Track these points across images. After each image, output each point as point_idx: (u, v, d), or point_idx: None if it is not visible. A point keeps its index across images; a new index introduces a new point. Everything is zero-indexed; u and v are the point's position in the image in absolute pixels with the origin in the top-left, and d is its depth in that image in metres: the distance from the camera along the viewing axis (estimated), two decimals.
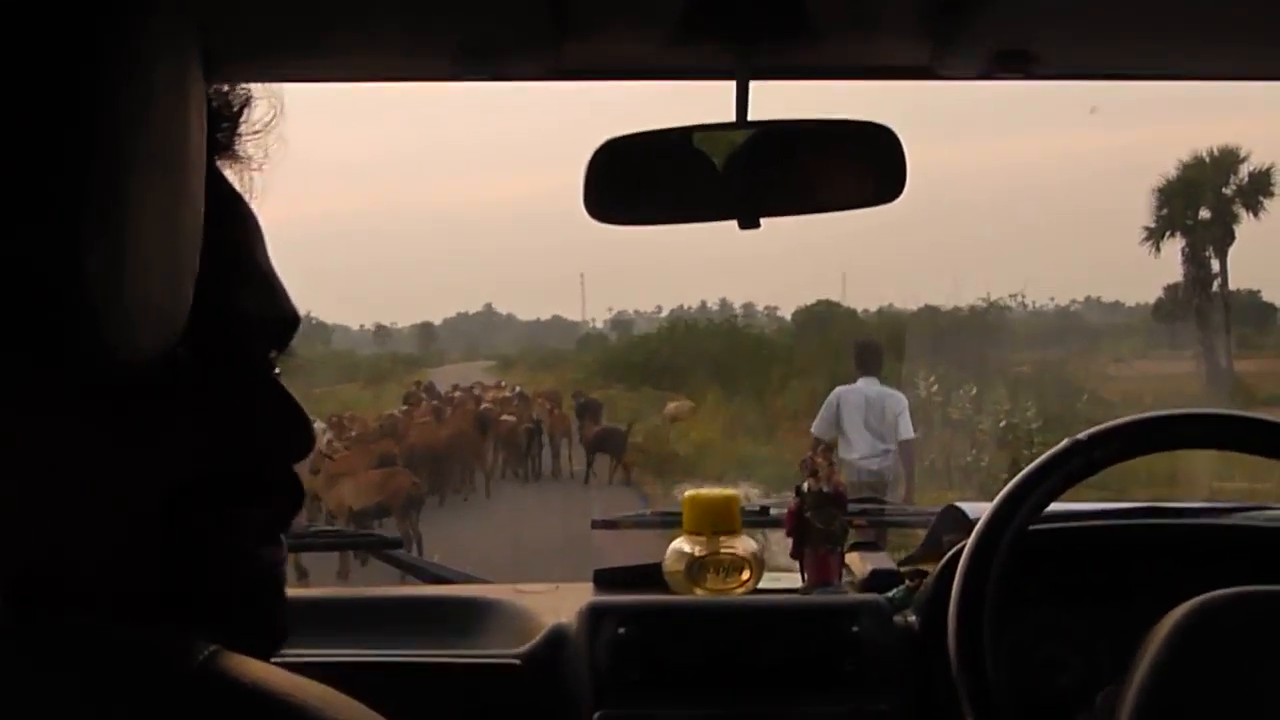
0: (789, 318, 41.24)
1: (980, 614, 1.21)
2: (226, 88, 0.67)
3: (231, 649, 0.58)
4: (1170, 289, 31.25)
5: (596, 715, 1.58)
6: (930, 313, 28.32)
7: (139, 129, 0.50)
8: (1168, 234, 28.48)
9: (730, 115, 1.36)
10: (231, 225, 0.67)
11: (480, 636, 1.75)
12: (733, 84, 1.35)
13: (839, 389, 8.99)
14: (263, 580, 0.67)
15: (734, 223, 1.37)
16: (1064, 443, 1.26)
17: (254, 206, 0.70)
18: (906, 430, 8.88)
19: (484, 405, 19.44)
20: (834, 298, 38.84)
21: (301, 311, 0.69)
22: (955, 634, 1.19)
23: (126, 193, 0.49)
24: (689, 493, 1.83)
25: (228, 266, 0.64)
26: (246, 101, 0.68)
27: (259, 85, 0.69)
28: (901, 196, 1.38)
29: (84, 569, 0.59)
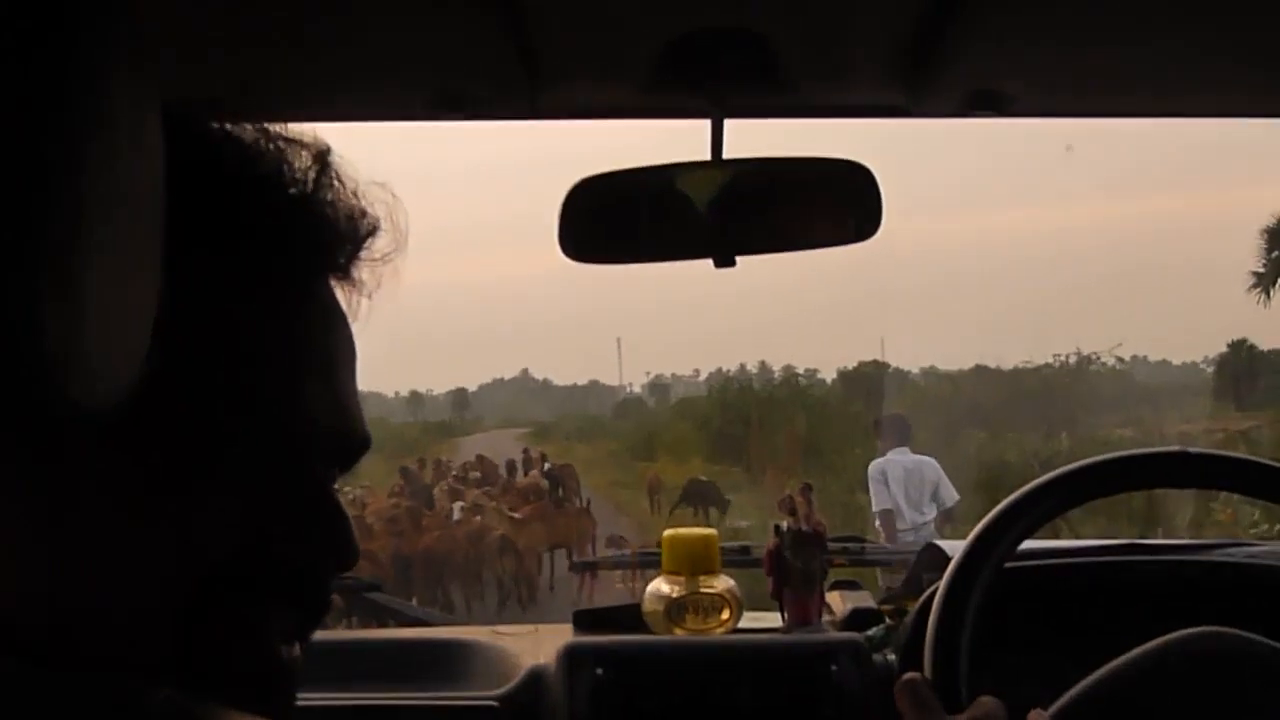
0: (829, 381, 38.15)
1: (956, 652, 1.20)
2: (356, 215, 0.69)
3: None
4: (1235, 345, 29.88)
5: None
6: (981, 373, 27.13)
7: (98, 184, 0.50)
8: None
9: (705, 154, 1.36)
10: (325, 336, 0.68)
11: (459, 679, 1.73)
12: (708, 123, 1.35)
13: (876, 463, 8.71)
14: (279, 677, 0.67)
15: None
16: (1040, 479, 1.25)
17: (356, 330, 0.71)
18: (950, 496, 8.65)
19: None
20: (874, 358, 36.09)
21: None
22: (931, 672, 1.18)
23: (82, 241, 0.49)
24: (668, 532, 1.82)
25: (310, 374, 0.66)
26: (373, 231, 0.70)
27: (387, 219, 0.71)
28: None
29: (104, 636, 0.59)
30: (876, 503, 8.64)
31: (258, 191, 0.65)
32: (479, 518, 13.76)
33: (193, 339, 0.60)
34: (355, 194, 0.69)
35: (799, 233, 1.45)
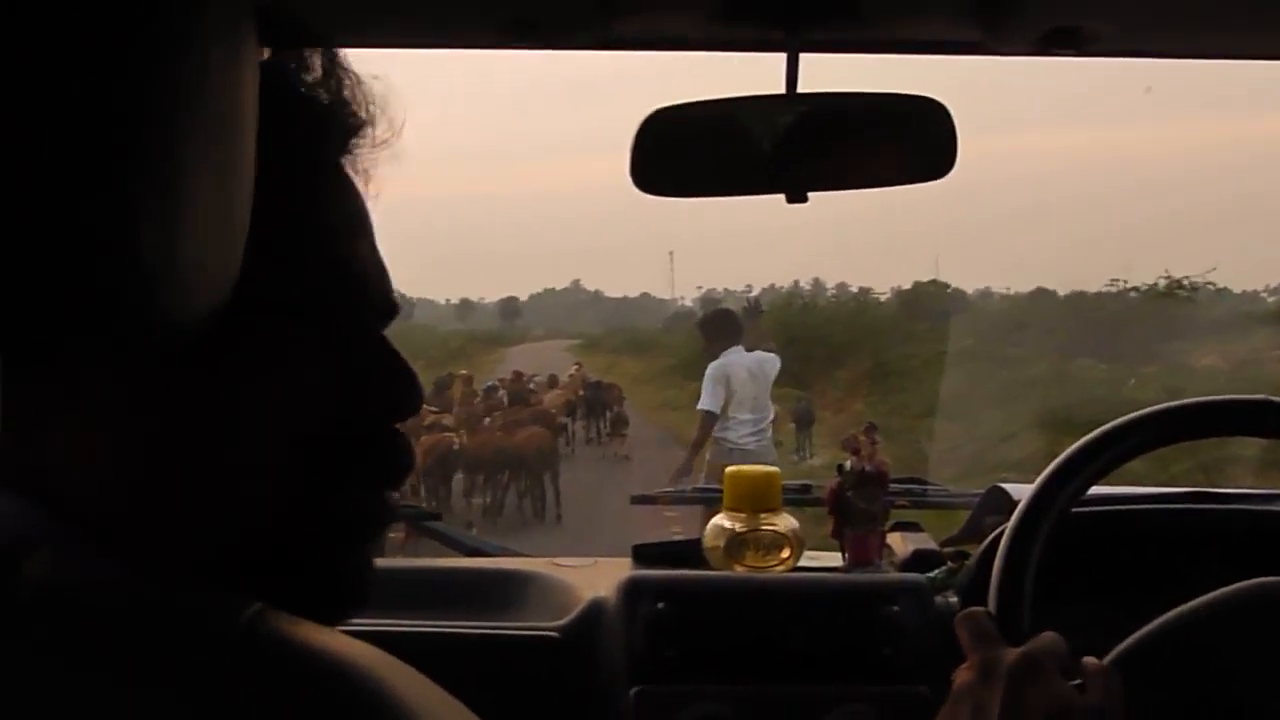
0: (882, 299, 36.00)
1: (1021, 595, 1.19)
2: (355, 102, 0.73)
3: (314, 596, 0.64)
4: None
5: (633, 691, 1.58)
6: (1043, 295, 26.08)
7: (192, 94, 0.50)
8: None
9: (780, 87, 1.35)
10: (360, 204, 0.72)
11: (518, 610, 1.75)
12: (783, 56, 1.33)
13: (719, 362, 8.11)
14: (380, 518, 0.70)
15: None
16: (1113, 423, 1.24)
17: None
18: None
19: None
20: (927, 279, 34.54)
21: None
22: (995, 615, 1.18)
23: (179, 156, 0.50)
24: (730, 469, 1.82)
25: (356, 239, 0.70)
26: (374, 118, 0.73)
27: (382, 104, 0.74)
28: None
29: (210, 524, 0.63)
30: (702, 402, 8.14)
31: (288, 82, 0.70)
32: None
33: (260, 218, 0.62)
34: (361, 83, 0.73)
35: (873, 170, 1.43)
